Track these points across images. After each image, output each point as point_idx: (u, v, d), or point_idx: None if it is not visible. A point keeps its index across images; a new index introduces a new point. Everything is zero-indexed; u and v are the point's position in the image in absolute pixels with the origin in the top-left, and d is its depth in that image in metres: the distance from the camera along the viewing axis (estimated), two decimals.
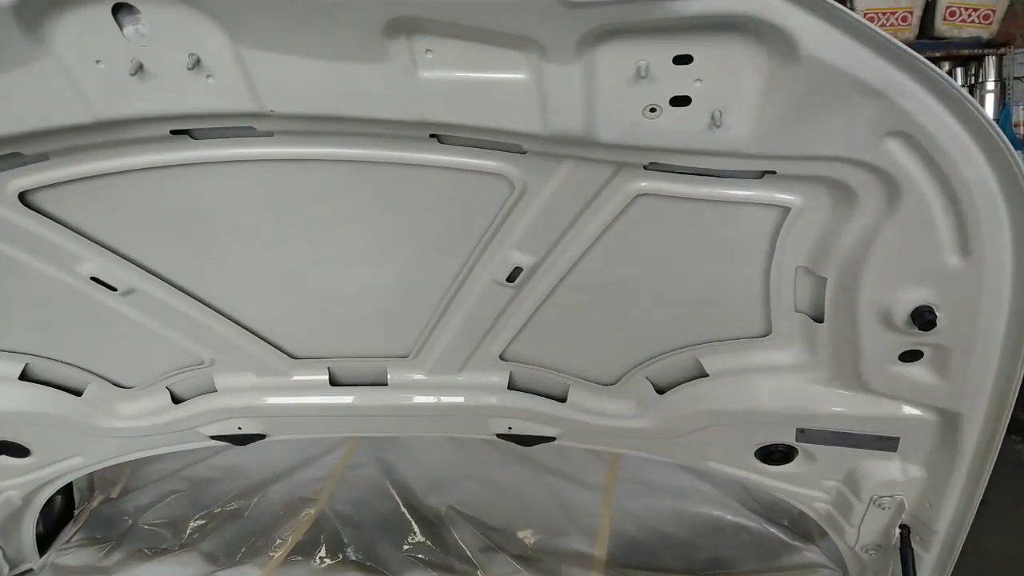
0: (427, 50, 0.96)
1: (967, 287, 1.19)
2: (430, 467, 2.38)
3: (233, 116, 1.06)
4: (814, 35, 0.89)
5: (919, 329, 1.24)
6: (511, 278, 1.43)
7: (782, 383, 1.55)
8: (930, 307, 1.23)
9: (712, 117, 1.00)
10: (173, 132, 1.12)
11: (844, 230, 1.20)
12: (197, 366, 1.73)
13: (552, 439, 1.85)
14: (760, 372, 1.55)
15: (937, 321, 1.23)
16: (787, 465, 1.77)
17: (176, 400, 1.83)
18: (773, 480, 1.82)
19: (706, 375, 1.60)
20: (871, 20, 2.91)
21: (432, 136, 1.14)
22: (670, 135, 1.03)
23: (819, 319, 1.39)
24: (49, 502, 2.25)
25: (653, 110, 1.01)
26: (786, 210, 1.23)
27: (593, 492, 2.32)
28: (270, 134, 1.15)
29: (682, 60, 0.95)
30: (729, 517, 2.32)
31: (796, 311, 1.41)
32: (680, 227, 1.30)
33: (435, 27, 0.92)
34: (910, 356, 1.36)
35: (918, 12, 3.93)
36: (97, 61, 0.98)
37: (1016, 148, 1.01)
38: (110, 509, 2.52)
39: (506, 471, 2.34)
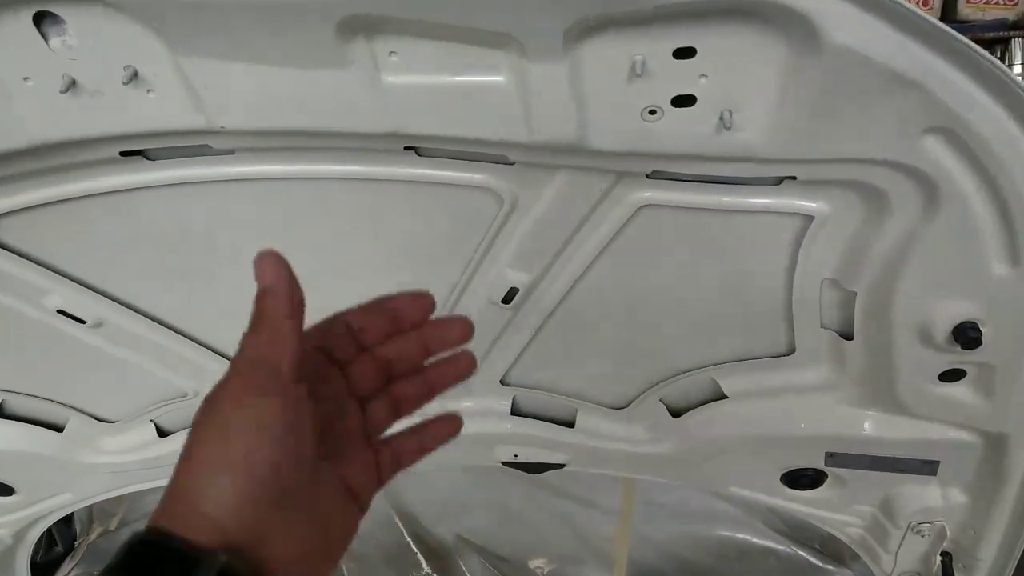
0: (391, 52, 0.84)
1: (1016, 300, 1.05)
2: (438, 493, 2.27)
3: (182, 134, 0.95)
4: (838, 18, 0.75)
5: (962, 348, 1.10)
6: (507, 299, 1.32)
7: (808, 405, 1.43)
8: (974, 323, 1.09)
9: (721, 118, 0.87)
10: (123, 153, 1.02)
11: (875, 239, 1.07)
12: (181, 398, 1.64)
13: (562, 466, 1.74)
14: (784, 393, 1.42)
15: (982, 338, 1.09)
16: (816, 490, 1.64)
17: (162, 433, 1.74)
18: (800, 505, 1.70)
19: (725, 397, 1.47)
20: None
21: (409, 148, 1.03)
22: (673, 140, 0.90)
23: (848, 336, 1.25)
24: (68, 520, 2.16)
25: (653, 112, 0.88)
26: (808, 218, 1.10)
27: (609, 516, 2.20)
28: (231, 152, 1.05)
29: (684, 54, 0.82)
30: (754, 540, 2.19)
31: (822, 327, 1.28)
32: (690, 240, 1.18)
33: (397, 26, 0.80)
34: (951, 376, 1.22)
35: None
36: (25, 78, 0.87)
37: None
38: (108, 543, 2.43)
39: (516, 496, 2.22)
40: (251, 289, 1.49)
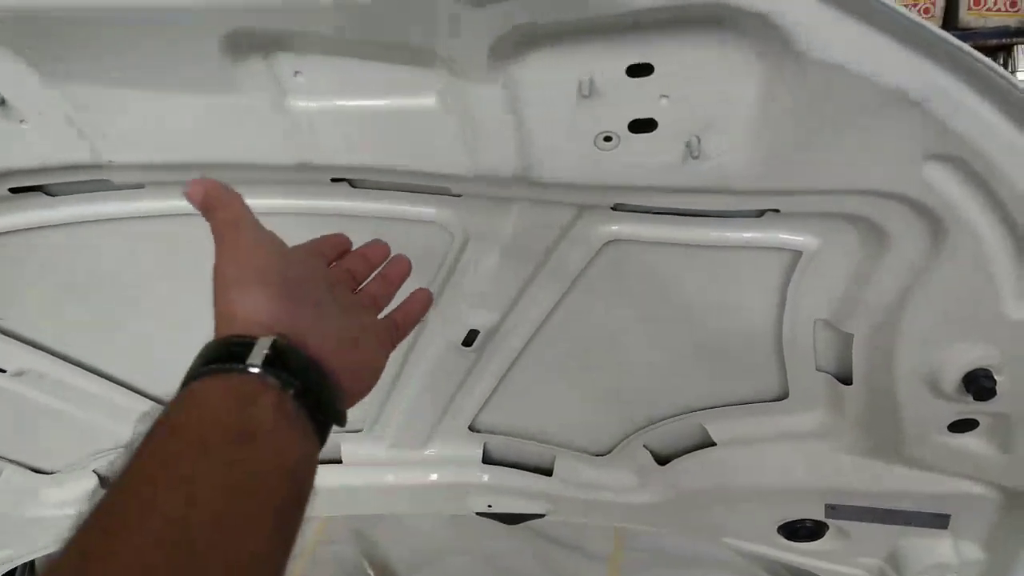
0: (296, 72, 0.72)
1: None
2: (414, 539, 2.12)
3: (70, 169, 0.83)
4: (816, 26, 0.62)
5: (974, 398, 0.97)
6: (468, 342, 1.19)
7: (804, 453, 1.29)
8: (987, 371, 0.96)
9: (687, 145, 0.74)
10: (12, 190, 0.90)
11: (872, 277, 0.94)
12: (121, 447, 1.51)
13: (540, 516, 1.60)
14: (777, 440, 1.29)
15: (997, 388, 0.96)
16: (816, 543, 1.50)
17: (106, 484, 1.60)
18: (800, 557, 1.56)
19: (713, 444, 1.34)
20: None
21: (339, 180, 0.91)
22: (634, 170, 0.78)
23: (846, 380, 1.12)
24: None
25: (608, 139, 0.75)
26: (796, 254, 0.97)
27: (597, 563, 2.05)
28: (140, 186, 0.93)
29: (639, 71, 0.70)
30: None
31: (817, 371, 1.15)
32: (664, 277, 1.05)
33: (298, 42, 0.69)
34: (962, 426, 1.09)
35: (941, 2, 3.64)
36: None
37: None
38: None
39: (498, 542, 2.08)
40: (174, 329, 1.35)
